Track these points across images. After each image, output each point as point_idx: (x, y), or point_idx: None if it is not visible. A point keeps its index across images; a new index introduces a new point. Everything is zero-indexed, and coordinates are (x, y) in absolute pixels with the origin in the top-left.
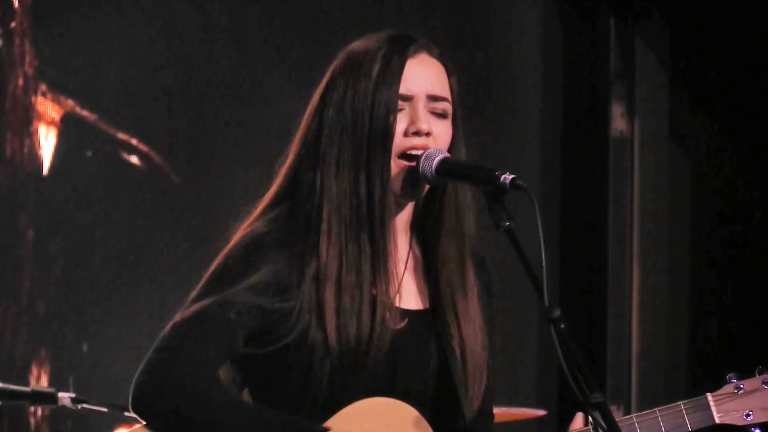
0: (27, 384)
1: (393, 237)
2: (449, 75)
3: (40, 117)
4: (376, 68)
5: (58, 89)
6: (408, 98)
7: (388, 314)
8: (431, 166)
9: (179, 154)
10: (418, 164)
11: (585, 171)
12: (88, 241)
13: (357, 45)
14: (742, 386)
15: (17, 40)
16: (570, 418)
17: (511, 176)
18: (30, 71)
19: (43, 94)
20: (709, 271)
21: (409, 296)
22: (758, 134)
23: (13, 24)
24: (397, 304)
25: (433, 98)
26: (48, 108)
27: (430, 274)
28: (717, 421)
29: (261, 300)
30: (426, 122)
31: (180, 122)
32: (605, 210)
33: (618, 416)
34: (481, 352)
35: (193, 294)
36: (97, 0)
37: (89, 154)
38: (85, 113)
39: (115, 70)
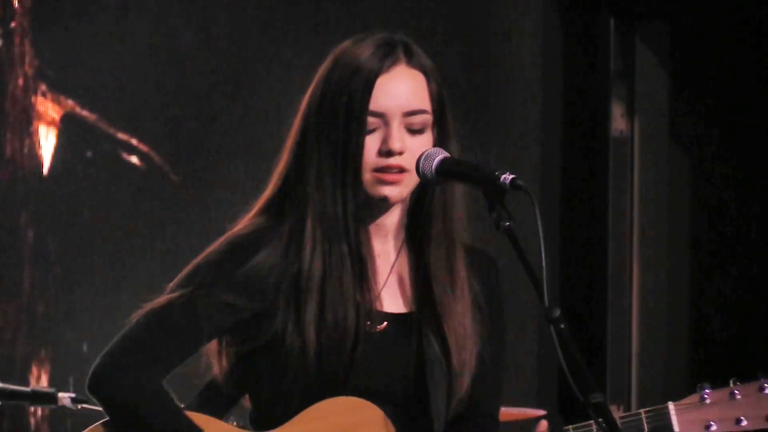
0: (27, 384)
1: (371, 247)
2: (429, 81)
3: (40, 117)
4: (351, 83)
5: (58, 89)
6: (381, 115)
7: (369, 322)
8: (431, 167)
9: (179, 154)
10: (418, 165)
11: (585, 171)
12: (88, 241)
13: (343, 52)
14: (706, 396)
15: (17, 40)
16: (571, 418)
17: (511, 176)
18: (30, 71)
19: (43, 94)
20: (709, 270)
21: (393, 299)
22: (758, 134)
23: (13, 24)
24: (379, 308)
25: (409, 113)
26: (48, 108)
27: (420, 277)
28: (676, 430)
29: (233, 298)
30: (399, 141)
31: (180, 122)
32: (605, 210)
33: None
34: (468, 355)
35: (171, 285)
36: (97, 0)
37: (89, 154)
38: (85, 113)
39: (115, 70)
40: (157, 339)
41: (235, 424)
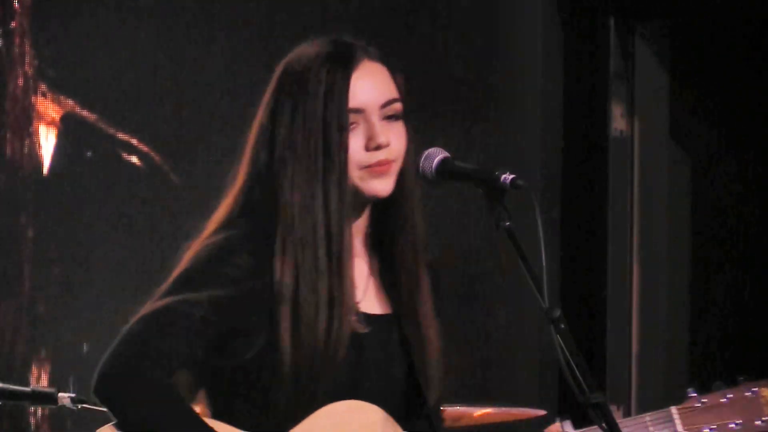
0: (27, 384)
1: (351, 247)
2: (393, 74)
3: (40, 117)
4: (321, 88)
5: (58, 89)
6: (360, 111)
7: (349, 321)
8: (431, 167)
9: (179, 154)
10: (418, 165)
11: (585, 171)
12: (88, 241)
13: (295, 61)
14: (705, 400)
15: (17, 40)
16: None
17: (511, 176)
18: (30, 71)
19: (43, 94)
20: (709, 271)
21: (374, 302)
22: (758, 134)
23: (13, 24)
24: (363, 310)
25: (385, 104)
26: (48, 108)
27: (387, 279)
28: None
29: (222, 311)
30: (383, 134)
31: (180, 122)
32: (605, 210)
33: (618, 416)
34: (440, 355)
35: (163, 288)
36: (97, 0)
37: (89, 154)
38: (85, 113)
39: (115, 70)
40: (158, 343)
41: None
